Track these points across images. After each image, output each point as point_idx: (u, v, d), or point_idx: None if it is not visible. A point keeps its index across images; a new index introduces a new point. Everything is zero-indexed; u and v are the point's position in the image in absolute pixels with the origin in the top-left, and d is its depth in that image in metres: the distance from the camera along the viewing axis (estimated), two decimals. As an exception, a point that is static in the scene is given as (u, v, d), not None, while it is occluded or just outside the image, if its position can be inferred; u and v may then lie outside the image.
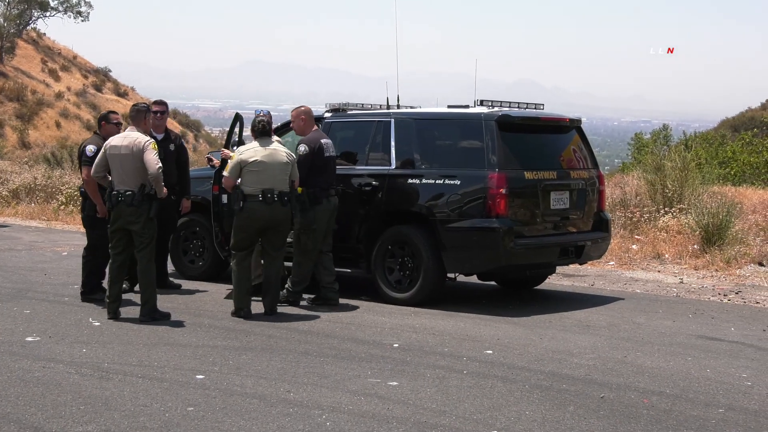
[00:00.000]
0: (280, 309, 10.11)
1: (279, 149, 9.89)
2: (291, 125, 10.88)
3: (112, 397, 6.75)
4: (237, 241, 9.94)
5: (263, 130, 10.00)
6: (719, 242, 14.48)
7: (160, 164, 9.54)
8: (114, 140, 9.71)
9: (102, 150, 9.76)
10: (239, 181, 9.84)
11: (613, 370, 7.75)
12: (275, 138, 10.41)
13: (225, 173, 9.98)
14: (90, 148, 10.42)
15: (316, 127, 10.65)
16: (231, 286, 10.74)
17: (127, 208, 9.51)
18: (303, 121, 10.57)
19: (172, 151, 11.40)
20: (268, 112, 10.76)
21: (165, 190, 9.76)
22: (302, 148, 10.34)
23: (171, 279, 11.69)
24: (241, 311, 9.77)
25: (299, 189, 10.17)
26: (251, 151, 9.87)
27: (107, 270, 9.79)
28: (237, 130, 11.10)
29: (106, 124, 10.65)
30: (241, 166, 9.80)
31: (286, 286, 10.43)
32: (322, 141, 10.42)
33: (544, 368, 7.75)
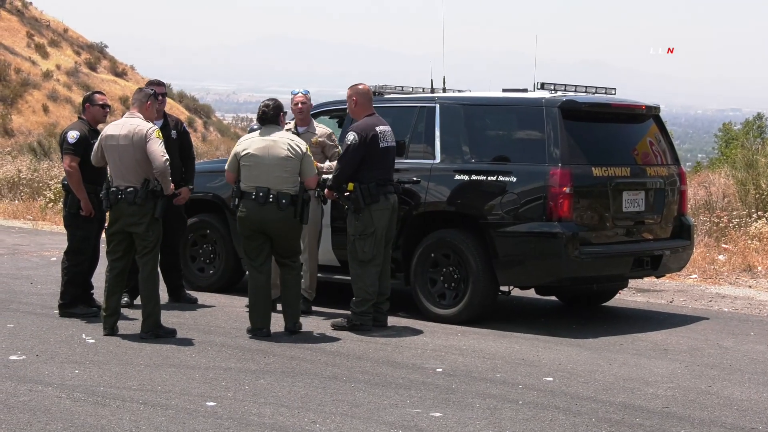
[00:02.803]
0: (312, 328, 10.14)
1: (280, 140, 9.77)
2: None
3: (109, 425, 6.81)
4: (244, 247, 10.02)
5: (263, 116, 9.93)
6: (823, 253, 14.38)
7: (167, 156, 9.58)
8: (110, 128, 9.77)
9: (99, 139, 9.83)
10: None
11: (695, 402, 7.72)
12: (305, 125, 10.45)
13: (225, 166, 10.05)
14: (72, 134, 10.44)
15: (372, 111, 10.42)
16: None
17: (128, 207, 9.57)
18: (354, 102, 10.37)
19: (175, 139, 11.38)
20: (307, 92, 10.86)
21: (172, 186, 9.81)
22: (351, 136, 10.16)
23: (188, 292, 11.75)
24: (260, 331, 9.79)
25: (350, 185, 10.16)
26: (248, 141, 9.87)
27: (105, 279, 9.86)
28: None
29: (91, 107, 10.68)
30: (237, 159, 9.85)
31: (351, 309, 10.23)
32: (378, 129, 10.22)
33: (614, 399, 7.74)
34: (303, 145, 9.87)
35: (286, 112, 10.24)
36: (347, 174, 10.16)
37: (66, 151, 10.44)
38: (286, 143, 9.76)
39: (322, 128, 11.18)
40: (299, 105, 10.99)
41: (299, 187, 9.78)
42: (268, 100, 10.09)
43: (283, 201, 9.67)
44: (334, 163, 10.71)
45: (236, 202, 9.84)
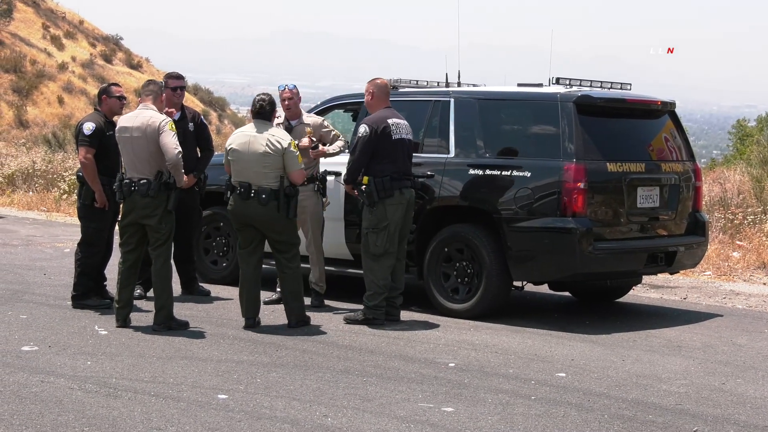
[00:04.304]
0: (324, 322, 10.14)
1: (260, 137, 9.71)
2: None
3: (121, 417, 6.81)
4: (238, 237, 10.13)
5: (260, 110, 9.89)
6: (838, 250, 14.32)
7: (180, 148, 9.58)
8: (123, 120, 9.78)
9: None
10: None
11: (708, 399, 7.69)
12: (311, 119, 10.42)
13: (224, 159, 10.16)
14: (88, 126, 10.45)
15: (387, 105, 10.44)
16: (270, 293, 10.87)
17: (141, 199, 9.58)
18: (371, 95, 10.42)
19: (192, 131, 11.39)
20: (294, 87, 10.85)
21: (186, 178, 9.78)
22: (362, 129, 10.21)
23: (201, 285, 11.76)
24: (249, 321, 9.88)
25: (365, 179, 10.16)
26: (235, 136, 9.95)
27: (117, 271, 9.86)
28: None
29: (108, 98, 10.66)
30: (227, 153, 9.95)
31: (364, 303, 10.23)
32: (390, 121, 10.23)
33: (627, 395, 7.72)
34: (285, 141, 9.76)
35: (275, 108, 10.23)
36: (359, 166, 10.17)
37: (81, 142, 10.45)
38: (265, 139, 9.71)
39: (312, 118, 11.15)
40: (286, 102, 10.95)
41: (281, 182, 9.73)
42: (263, 94, 10.01)
43: (263, 196, 9.67)
44: (338, 143, 10.93)
45: (227, 195, 9.94)
